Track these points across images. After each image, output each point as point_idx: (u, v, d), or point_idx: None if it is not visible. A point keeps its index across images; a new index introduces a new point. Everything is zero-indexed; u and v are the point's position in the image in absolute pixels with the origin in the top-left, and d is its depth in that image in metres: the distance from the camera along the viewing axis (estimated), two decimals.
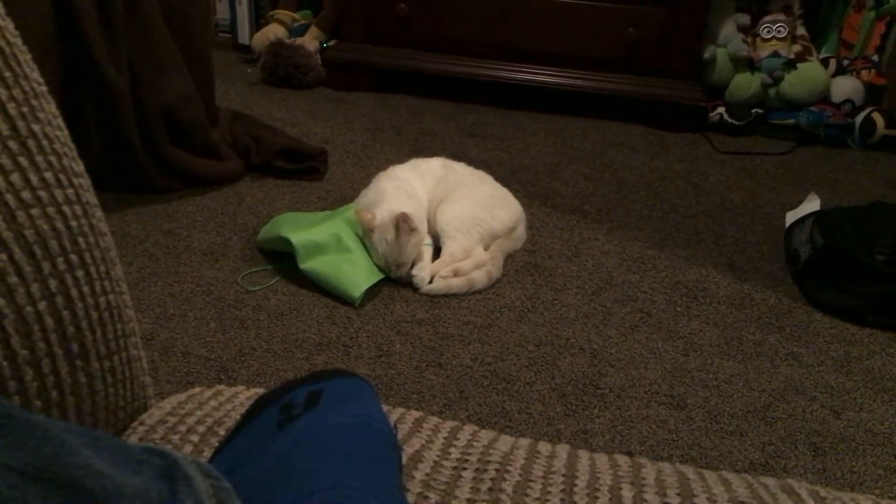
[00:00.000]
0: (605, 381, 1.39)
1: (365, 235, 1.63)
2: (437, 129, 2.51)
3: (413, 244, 1.61)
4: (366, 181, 1.83)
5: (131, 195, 1.89)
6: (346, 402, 0.44)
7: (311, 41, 2.91)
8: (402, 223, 1.58)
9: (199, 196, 1.94)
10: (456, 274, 1.64)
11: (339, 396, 0.44)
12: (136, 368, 0.51)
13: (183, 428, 0.46)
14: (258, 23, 3.12)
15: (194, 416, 0.47)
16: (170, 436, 0.46)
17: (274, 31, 2.95)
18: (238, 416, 0.46)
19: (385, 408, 0.55)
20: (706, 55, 2.61)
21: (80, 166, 0.50)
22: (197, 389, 0.52)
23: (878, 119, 2.56)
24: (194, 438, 0.45)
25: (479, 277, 1.64)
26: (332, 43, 2.91)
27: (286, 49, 2.79)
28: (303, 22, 3.02)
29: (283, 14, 3.01)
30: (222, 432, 0.45)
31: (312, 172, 2.09)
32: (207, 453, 0.43)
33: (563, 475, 0.52)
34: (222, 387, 0.52)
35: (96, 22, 1.71)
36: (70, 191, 0.47)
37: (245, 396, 0.51)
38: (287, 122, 2.38)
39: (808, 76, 2.58)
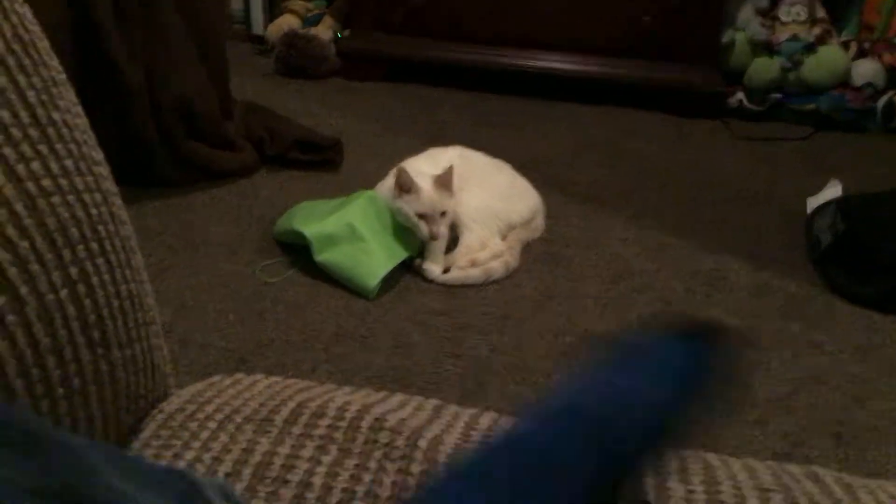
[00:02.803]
0: None
1: (394, 204, 1.63)
2: (452, 118, 2.50)
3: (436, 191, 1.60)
4: (381, 171, 1.82)
5: (147, 189, 1.89)
6: None
7: (324, 31, 2.90)
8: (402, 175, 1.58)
9: (215, 188, 1.94)
10: (473, 264, 1.63)
11: None
12: (157, 357, 0.51)
13: (201, 416, 0.46)
14: (272, 13, 3.11)
15: (213, 403, 0.47)
16: (188, 423, 0.46)
17: (288, 22, 2.95)
18: (255, 405, 0.46)
19: (403, 396, 0.54)
20: (724, 39, 2.58)
21: (99, 154, 0.50)
22: (216, 378, 0.52)
23: None
24: (212, 425, 0.45)
25: (497, 267, 1.64)
26: (345, 33, 2.90)
27: (300, 40, 2.78)
28: (316, 12, 3.01)
29: (297, 4, 3.01)
30: (239, 420, 0.45)
31: (327, 163, 2.09)
32: (224, 440, 0.43)
33: None
34: (241, 375, 0.52)
35: (111, 14, 1.71)
36: (90, 178, 0.47)
37: (264, 385, 0.51)
38: (301, 113, 2.37)
39: (828, 60, 2.54)
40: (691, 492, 0.49)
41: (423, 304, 1.54)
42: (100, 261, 0.45)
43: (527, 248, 1.74)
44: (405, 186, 1.60)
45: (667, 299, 1.60)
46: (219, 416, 0.46)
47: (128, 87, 1.77)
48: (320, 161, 2.08)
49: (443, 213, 1.61)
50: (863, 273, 1.61)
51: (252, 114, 2.19)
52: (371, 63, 2.78)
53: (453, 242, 1.72)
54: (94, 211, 0.46)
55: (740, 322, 1.54)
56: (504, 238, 1.72)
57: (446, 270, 1.63)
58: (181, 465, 0.42)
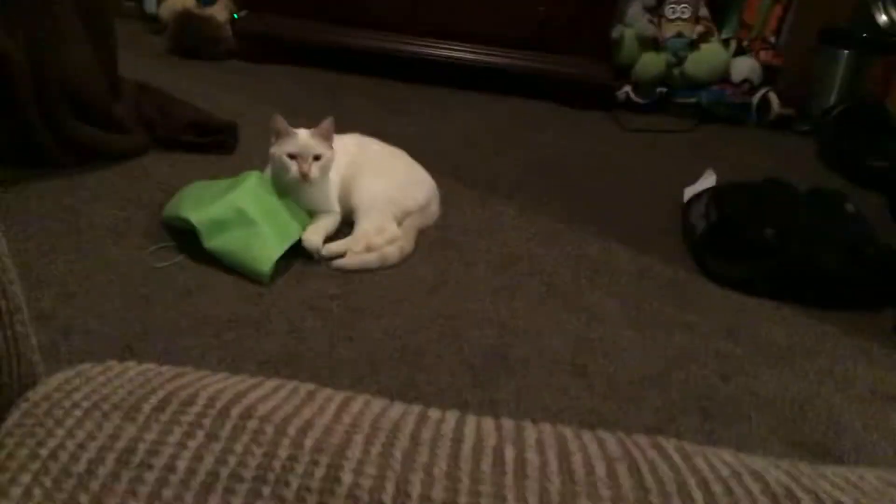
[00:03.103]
0: (511, 352, 1.44)
1: (270, 152, 1.66)
2: (353, 104, 2.50)
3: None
4: None
5: (30, 170, 1.81)
6: None
7: (221, 11, 2.83)
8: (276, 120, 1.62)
9: (103, 171, 1.88)
10: (369, 249, 1.65)
11: None
12: (24, 345, 0.50)
13: (68, 403, 0.47)
14: None
15: (80, 391, 0.48)
16: (54, 411, 0.46)
17: (182, 1, 2.86)
18: (124, 393, 0.47)
19: (278, 381, 0.56)
20: (614, 35, 2.69)
21: None
22: (87, 365, 0.52)
23: (774, 98, 2.70)
24: (78, 413, 0.46)
25: (392, 253, 1.66)
26: (242, 14, 2.84)
27: (195, 19, 2.71)
28: None
29: None
30: (107, 407, 0.46)
31: (222, 146, 2.06)
32: (90, 427, 0.44)
33: (451, 439, 0.54)
34: (113, 363, 0.53)
35: None
36: None
37: (135, 372, 0.52)
38: (196, 95, 2.32)
39: (709, 56, 2.69)
40: (545, 462, 0.53)
41: (318, 289, 1.55)
42: None
43: (422, 234, 1.78)
44: (281, 131, 1.63)
45: (553, 283, 1.67)
46: (86, 404, 0.46)
47: (9, 68, 1.68)
48: (214, 144, 2.05)
49: (316, 157, 1.63)
50: (732, 258, 1.73)
51: (143, 94, 2.12)
52: (269, 45, 2.73)
53: (348, 228, 1.74)
54: None
55: (620, 304, 1.62)
56: (400, 224, 1.74)
57: (341, 253, 1.64)
58: (44, 452, 0.43)
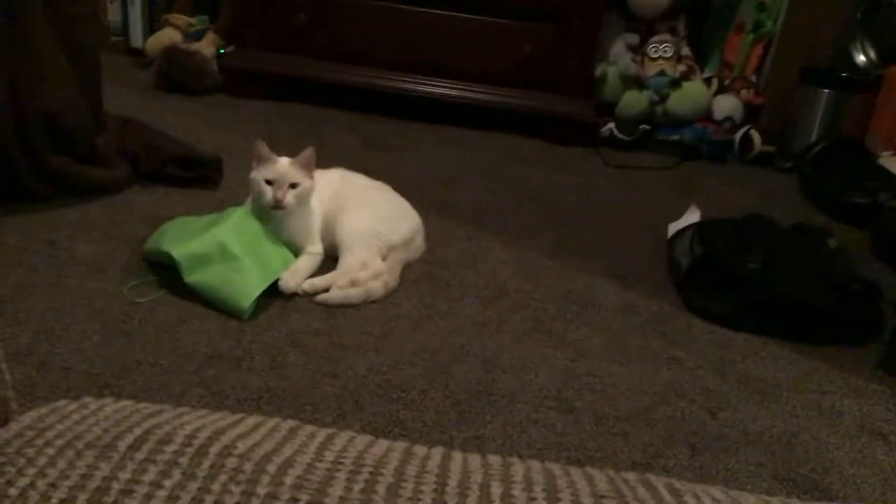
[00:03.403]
0: (497, 388, 1.42)
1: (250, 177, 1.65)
2: (337, 139, 2.51)
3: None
4: None
5: (8, 203, 1.79)
6: None
7: (207, 47, 2.85)
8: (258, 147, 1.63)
9: (84, 204, 1.86)
10: (353, 284, 1.64)
11: None
12: None
13: (40, 441, 0.45)
14: (152, 27, 3.02)
15: (54, 429, 0.46)
16: (25, 449, 0.44)
17: (169, 36, 2.87)
18: (99, 431, 0.45)
19: (258, 418, 0.55)
20: (597, 73, 2.72)
21: None
22: (61, 403, 0.50)
23: (756, 136, 2.73)
24: (50, 451, 0.44)
25: (377, 287, 1.65)
26: (229, 49, 2.86)
27: (181, 54, 2.72)
28: (199, 27, 2.95)
29: (178, 18, 2.94)
30: (81, 446, 0.44)
31: (206, 181, 2.05)
32: (62, 465, 0.42)
33: (436, 475, 0.53)
34: (88, 400, 0.51)
35: None
36: None
37: (111, 409, 0.50)
38: (181, 129, 2.32)
39: (691, 94, 2.73)
40: (532, 499, 0.52)
41: (302, 324, 1.53)
42: None
43: (407, 269, 1.77)
44: (262, 157, 1.63)
45: (539, 318, 1.66)
46: (59, 442, 0.45)
47: None
48: (199, 178, 2.04)
49: (293, 185, 1.63)
50: (718, 294, 1.73)
51: (127, 128, 2.11)
52: (255, 80, 2.74)
53: (332, 263, 1.72)
54: None
55: (607, 339, 1.61)
56: (384, 258, 1.73)
57: (334, 289, 1.62)
58: (13, 491, 0.41)
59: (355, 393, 1.36)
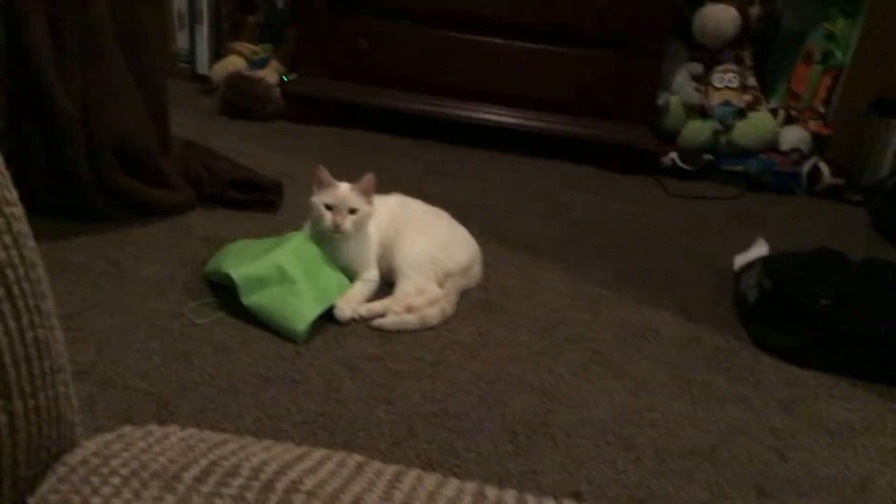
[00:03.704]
0: (554, 420, 1.39)
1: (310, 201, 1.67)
2: (395, 165, 2.52)
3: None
4: None
5: (76, 223, 1.84)
6: None
7: (270, 74, 2.90)
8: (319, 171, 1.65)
9: (148, 225, 1.90)
10: (409, 310, 1.63)
11: None
12: (64, 407, 0.48)
13: (105, 470, 0.44)
14: (218, 54, 3.10)
15: (119, 457, 0.45)
16: (90, 477, 0.43)
17: (233, 63, 2.94)
18: (165, 461, 0.44)
19: (325, 451, 0.53)
20: (660, 101, 2.68)
21: (12, 194, 0.48)
22: (127, 429, 0.50)
23: (824, 168, 2.65)
24: (116, 481, 0.43)
25: (433, 314, 1.63)
26: (292, 76, 2.91)
27: (245, 81, 2.77)
28: (263, 55, 3.01)
29: (244, 46, 3.01)
30: (146, 476, 0.43)
31: (267, 205, 2.07)
32: (127, 496, 0.41)
33: None
34: (154, 427, 0.50)
35: (48, 46, 1.68)
36: (0, 220, 0.46)
37: (176, 438, 0.49)
38: (243, 154, 2.36)
39: (757, 125, 2.66)
40: None
41: (357, 349, 1.53)
42: (6, 306, 0.43)
43: (463, 296, 1.75)
44: (322, 182, 1.65)
45: (598, 349, 1.62)
46: (124, 471, 0.44)
47: (62, 120, 1.72)
48: (259, 202, 2.06)
49: (352, 211, 1.63)
50: (786, 329, 1.66)
51: (191, 151, 2.16)
52: (316, 107, 2.78)
53: (389, 288, 1.72)
54: (2, 254, 0.44)
55: (668, 373, 1.56)
56: (441, 285, 1.72)
57: (385, 314, 1.62)
58: None
59: (409, 420, 1.34)
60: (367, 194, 1.66)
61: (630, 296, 1.86)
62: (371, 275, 1.72)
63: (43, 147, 1.76)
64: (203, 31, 3.07)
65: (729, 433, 1.41)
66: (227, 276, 1.56)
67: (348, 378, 1.43)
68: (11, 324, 0.43)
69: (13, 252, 0.45)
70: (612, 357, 1.60)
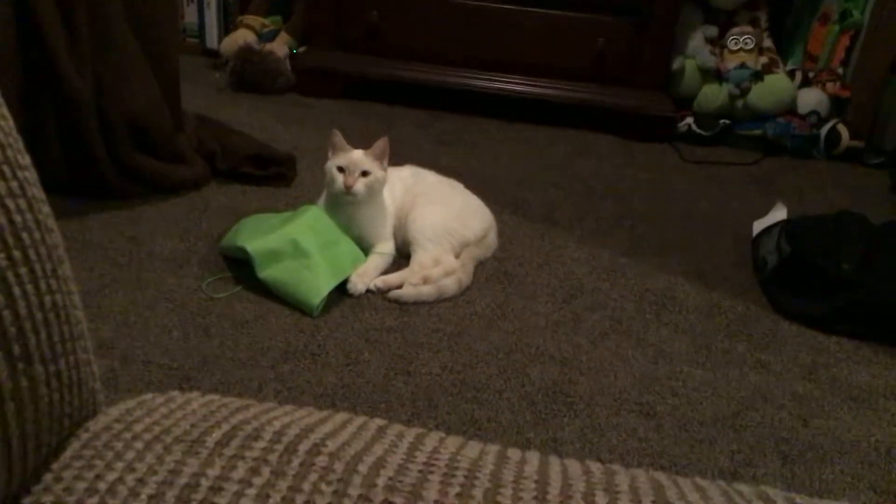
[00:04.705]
0: (574, 389, 1.38)
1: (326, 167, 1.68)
2: (408, 136, 2.50)
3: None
4: None
5: (93, 201, 1.84)
6: None
7: (280, 47, 2.87)
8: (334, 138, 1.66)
9: (163, 202, 1.90)
10: (426, 281, 1.62)
11: None
12: (85, 373, 0.48)
13: (128, 435, 0.44)
14: (227, 28, 3.08)
15: (142, 423, 0.45)
16: (113, 442, 0.43)
17: (243, 37, 2.91)
18: (187, 426, 0.44)
19: (346, 415, 0.53)
20: (674, 66, 2.63)
21: (25, 159, 0.47)
22: (148, 396, 0.49)
23: (843, 130, 2.60)
24: (139, 445, 0.43)
25: (450, 285, 1.62)
26: (301, 49, 2.88)
27: (255, 55, 2.75)
28: (272, 28, 2.98)
29: (253, 20, 2.98)
30: (169, 440, 0.43)
31: (280, 178, 2.06)
32: (150, 460, 0.41)
33: (536, 481, 0.50)
34: (175, 393, 0.50)
35: (59, 27, 1.66)
36: (14, 184, 0.45)
37: (198, 404, 0.49)
38: (255, 128, 2.34)
39: (774, 88, 2.61)
40: None
41: (375, 321, 1.52)
42: (22, 270, 0.43)
43: (480, 267, 1.74)
44: (337, 146, 1.66)
45: (618, 318, 1.61)
46: (147, 436, 0.44)
47: (76, 101, 1.72)
48: (273, 176, 2.05)
49: (364, 173, 1.63)
50: (808, 294, 1.64)
51: (204, 127, 2.15)
52: (327, 79, 2.76)
53: (404, 261, 1.71)
54: (17, 217, 0.43)
55: (689, 340, 1.55)
56: (457, 256, 1.71)
57: (401, 286, 1.61)
58: (102, 486, 0.40)
59: (429, 391, 1.34)
60: (380, 158, 1.65)
61: (648, 263, 1.84)
62: (386, 247, 1.71)
63: (58, 127, 1.75)
64: (212, 6, 3.05)
65: (750, 400, 1.40)
66: (243, 250, 1.56)
67: (367, 350, 1.43)
68: (29, 288, 0.43)
69: (28, 216, 0.44)
70: (631, 325, 1.59)
